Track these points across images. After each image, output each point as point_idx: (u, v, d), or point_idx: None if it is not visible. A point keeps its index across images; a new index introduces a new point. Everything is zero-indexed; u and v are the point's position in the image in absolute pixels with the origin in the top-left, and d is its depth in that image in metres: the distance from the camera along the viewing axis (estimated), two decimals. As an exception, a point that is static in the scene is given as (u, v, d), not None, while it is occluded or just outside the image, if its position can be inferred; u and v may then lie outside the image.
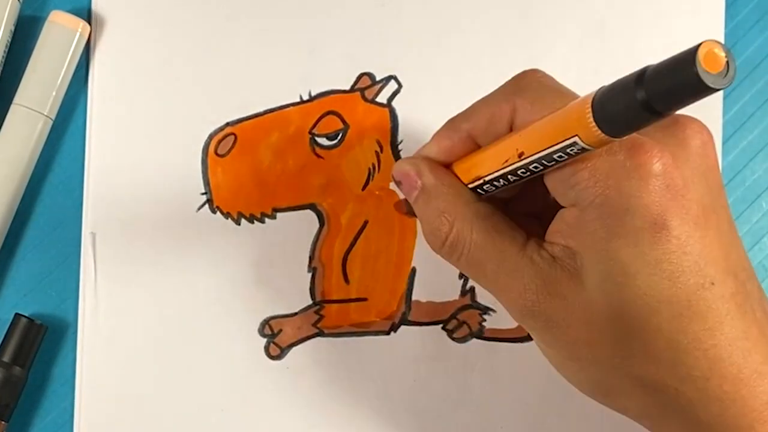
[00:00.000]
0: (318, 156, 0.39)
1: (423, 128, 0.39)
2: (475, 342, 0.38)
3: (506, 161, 0.28)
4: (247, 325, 0.38)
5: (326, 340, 0.38)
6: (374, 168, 0.39)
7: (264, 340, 0.38)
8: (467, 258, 0.29)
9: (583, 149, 0.25)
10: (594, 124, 0.24)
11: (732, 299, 0.27)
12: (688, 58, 0.21)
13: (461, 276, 0.39)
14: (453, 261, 0.30)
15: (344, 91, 0.39)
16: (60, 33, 0.38)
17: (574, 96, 0.28)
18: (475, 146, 0.31)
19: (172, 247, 0.38)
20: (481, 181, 0.30)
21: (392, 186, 0.38)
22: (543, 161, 0.27)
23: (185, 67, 0.39)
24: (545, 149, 0.26)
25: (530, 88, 0.29)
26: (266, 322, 0.38)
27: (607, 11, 0.40)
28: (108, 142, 0.39)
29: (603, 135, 0.24)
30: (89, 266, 0.38)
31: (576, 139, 0.25)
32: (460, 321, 0.38)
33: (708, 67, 0.21)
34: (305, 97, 0.39)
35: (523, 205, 0.32)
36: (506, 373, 0.38)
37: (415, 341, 0.38)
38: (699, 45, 0.21)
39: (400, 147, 0.39)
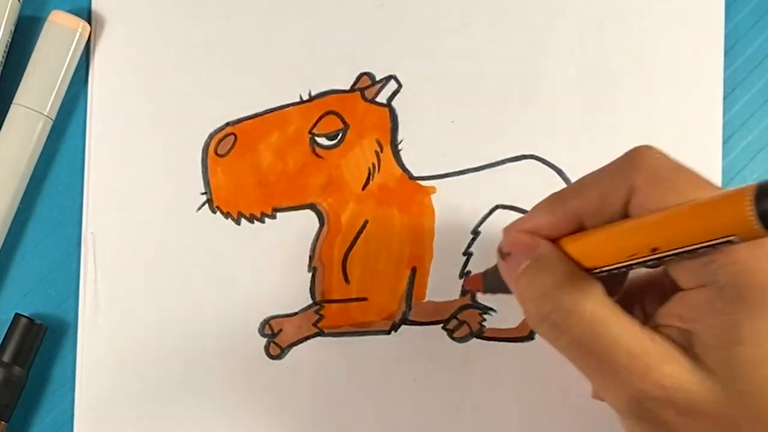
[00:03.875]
0: (318, 156, 0.39)
1: (423, 128, 0.39)
2: (475, 342, 0.38)
3: (633, 255, 0.26)
4: (247, 325, 0.38)
5: (326, 339, 0.38)
6: (374, 168, 0.39)
7: (264, 340, 0.38)
8: (576, 334, 0.27)
9: (731, 242, 0.24)
10: (758, 224, 0.23)
11: None
12: None
13: (462, 275, 0.39)
14: (554, 338, 0.27)
15: (344, 91, 0.39)
16: (60, 33, 0.38)
17: (694, 174, 0.27)
18: (579, 224, 0.28)
19: (172, 247, 0.38)
20: (599, 270, 0.27)
21: (392, 184, 0.39)
22: (679, 254, 0.25)
23: (185, 67, 0.39)
24: (689, 246, 0.24)
25: (647, 166, 0.27)
26: (266, 322, 0.38)
27: (607, 12, 0.40)
28: (108, 142, 0.39)
29: (764, 232, 0.23)
30: (89, 266, 0.38)
31: (733, 238, 0.23)
32: (461, 320, 0.38)
33: None
34: (305, 97, 0.39)
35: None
36: (506, 373, 0.38)
37: (415, 341, 0.38)
38: None
39: (400, 147, 0.39)
